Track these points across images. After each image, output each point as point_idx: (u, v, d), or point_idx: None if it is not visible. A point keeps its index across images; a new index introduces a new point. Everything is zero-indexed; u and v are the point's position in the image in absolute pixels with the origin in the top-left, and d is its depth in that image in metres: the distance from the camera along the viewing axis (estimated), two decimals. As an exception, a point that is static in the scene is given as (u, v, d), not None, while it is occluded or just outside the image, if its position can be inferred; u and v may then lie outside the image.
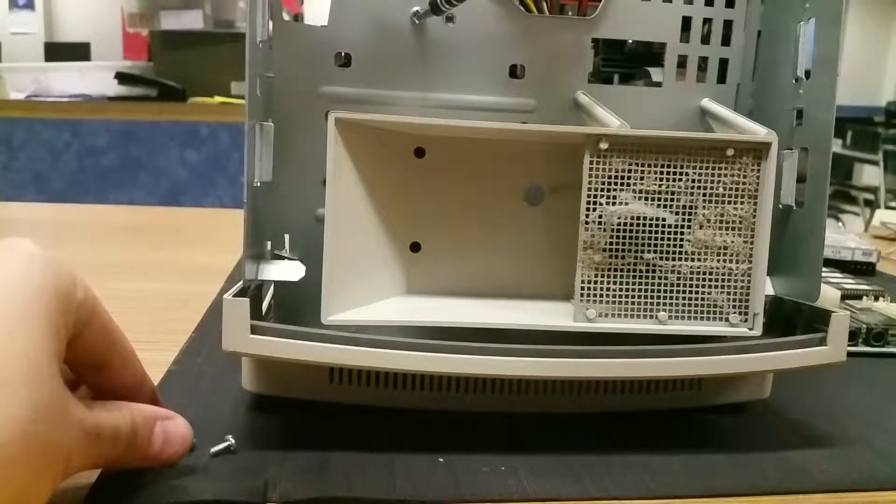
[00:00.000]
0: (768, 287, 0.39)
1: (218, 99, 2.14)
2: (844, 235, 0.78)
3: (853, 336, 0.50)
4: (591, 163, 0.34)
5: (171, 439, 0.30)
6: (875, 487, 0.33)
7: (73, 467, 0.26)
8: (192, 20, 2.29)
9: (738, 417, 0.39)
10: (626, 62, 0.44)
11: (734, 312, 0.35)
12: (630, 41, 0.43)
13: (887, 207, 2.93)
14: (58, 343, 0.25)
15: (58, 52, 3.22)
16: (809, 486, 0.33)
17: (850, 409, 0.41)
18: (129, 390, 0.30)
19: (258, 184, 0.34)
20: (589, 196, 0.34)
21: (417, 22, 0.39)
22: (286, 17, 0.39)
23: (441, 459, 0.33)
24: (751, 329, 0.35)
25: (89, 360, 0.29)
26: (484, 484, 0.31)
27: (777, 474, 0.33)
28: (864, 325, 0.51)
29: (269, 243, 0.38)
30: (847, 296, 0.58)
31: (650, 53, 0.43)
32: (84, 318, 0.27)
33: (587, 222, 0.34)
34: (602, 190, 0.34)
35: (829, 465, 0.34)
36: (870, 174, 3.84)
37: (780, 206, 0.39)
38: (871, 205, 3.53)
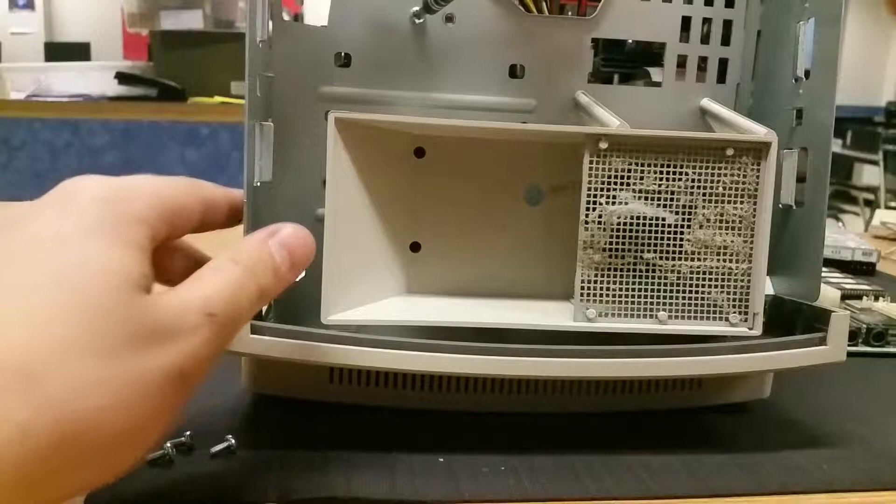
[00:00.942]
0: (768, 287, 0.39)
1: (218, 99, 2.14)
2: (844, 235, 0.78)
3: (853, 336, 0.50)
4: (591, 162, 0.34)
5: (293, 249, 0.28)
6: (875, 487, 0.33)
7: (201, 373, 0.26)
8: (192, 20, 2.29)
9: (739, 417, 0.39)
10: (626, 62, 0.44)
11: (734, 312, 0.35)
12: (630, 41, 0.43)
13: (887, 207, 2.93)
14: (133, 269, 0.24)
15: (58, 52, 3.22)
16: (809, 486, 0.33)
17: (850, 409, 0.41)
18: (228, 218, 0.31)
19: (258, 184, 0.34)
20: (589, 196, 0.34)
21: (417, 22, 0.39)
22: (286, 16, 0.39)
23: (441, 459, 0.33)
24: (751, 329, 0.35)
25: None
26: (484, 484, 0.31)
27: (777, 474, 0.33)
28: (864, 325, 0.51)
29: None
30: (847, 296, 0.58)
31: (650, 53, 0.43)
32: (161, 236, 0.27)
33: (587, 222, 0.34)
34: (602, 189, 0.34)
35: (829, 465, 0.34)
36: (870, 174, 3.84)
37: (780, 205, 0.39)
38: (871, 205, 3.53)
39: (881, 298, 0.57)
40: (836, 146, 3.73)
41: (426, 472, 0.32)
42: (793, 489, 0.32)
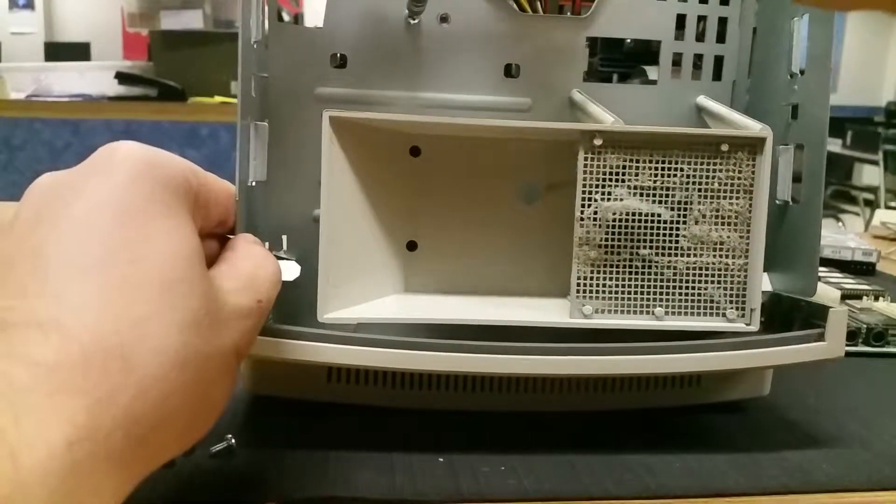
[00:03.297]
0: (766, 283, 0.39)
1: (218, 99, 2.14)
2: (844, 235, 0.78)
3: (853, 336, 0.50)
4: (586, 159, 0.34)
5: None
6: (875, 487, 0.33)
7: (245, 353, 0.26)
8: (192, 20, 2.29)
9: (739, 417, 0.39)
10: (624, 61, 0.44)
11: (731, 308, 0.35)
12: (628, 40, 0.42)
13: (887, 207, 2.93)
14: (193, 240, 0.25)
15: (58, 52, 3.22)
16: (809, 486, 0.33)
17: (850, 409, 0.41)
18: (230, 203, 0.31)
19: (253, 183, 0.34)
20: (584, 192, 0.34)
21: (412, 23, 0.39)
22: (286, 17, 0.39)
23: (441, 459, 0.33)
24: (748, 324, 0.35)
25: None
26: (484, 484, 0.31)
27: (777, 474, 0.33)
28: (864, 325, 0.51)
29: (266, 244, 0.38)
30: (847, 296, 0.57)
31: (649, 52, 0.42)
32: (203, 207, 0.27)
33: (582, 218, 0.34)
34: (597, 186, 0.34)
35: (829, 465, 0.34)
36: (870, 174, 3.84)
37: (777, 201, 0.39)
38: (871, 205, 3.52)
39: (881, 298, 0.57)
40: (837, 146, 3.73)
41: (426, 472, 0.32)
42: (793, 489, 0.32)
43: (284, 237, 0.39)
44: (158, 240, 0.23)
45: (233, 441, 0.33)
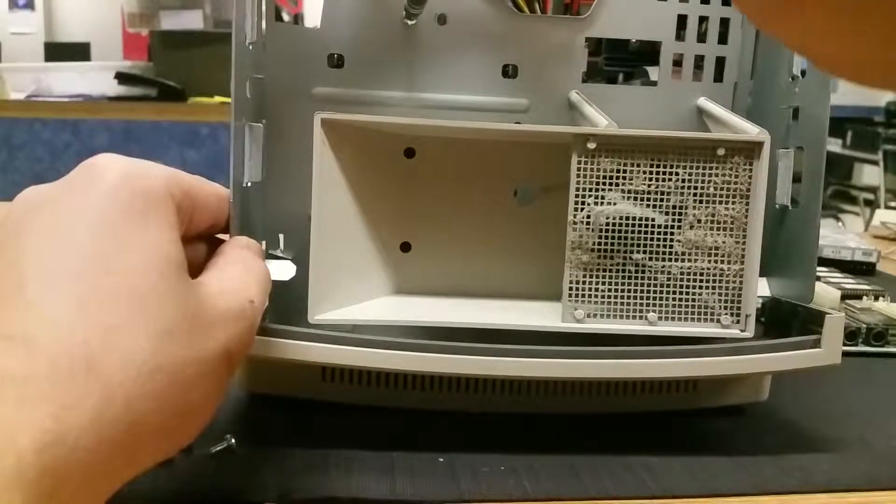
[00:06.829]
0: (766, 288, 0.39)
1: (218, 99, 2.14)
2: (844, 235, 0.78)
3: (853, 336, 0.50)
4: (579, 163, 0.33)
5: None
6: (875, 488, 0.33)
7: (243, 355, 0.27)
8: (192, 20, 2.29)
9: (739, 418, 0.39)
10: (630, 61, 0.44)
11: (726, 314, 0.34)
12: (633, 40, 0.42)
13: (887, 207, 2.92)
14: (171, 249, 0.25)
15: (58, 52, 3.22)
16: (809, 486, 0.33)
17: (850, 410, 0.41)
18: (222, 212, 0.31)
19: (249, 184, 0.34)
20: (577, 196, 0.34)
21: (409, 24, 0.39)
22: (286, 17, 0.39)
23: (441, 459, 0.33)
24: (743, 331, 0.34)
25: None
26: (484, 484, 0.31)
27: (777, 474, 0.33)
28: (864, 325, 0.51)
29: (263, 243, 0.38)
30: (847, 296, 0.57)
31: (656, 52, 0.42)
32: (187, 213, 0.27)
33: (575, 222, 0.34)
34: (590, 190, 0.34)
35: (829, 465, 0.34)
36: (870, 174, 3.84)
37: (777, 206, 0.39)
38: (871, 205, 3.52)
39: (881, 298, 0.57)
40: (836, 146, 3.73)
41: (426, 472, 0.32)
42: (793, 489, 0.32)
43: (281, 236, 0.39)
44: (133, 251, 0.24)
45: (233, 441, 0.33)
